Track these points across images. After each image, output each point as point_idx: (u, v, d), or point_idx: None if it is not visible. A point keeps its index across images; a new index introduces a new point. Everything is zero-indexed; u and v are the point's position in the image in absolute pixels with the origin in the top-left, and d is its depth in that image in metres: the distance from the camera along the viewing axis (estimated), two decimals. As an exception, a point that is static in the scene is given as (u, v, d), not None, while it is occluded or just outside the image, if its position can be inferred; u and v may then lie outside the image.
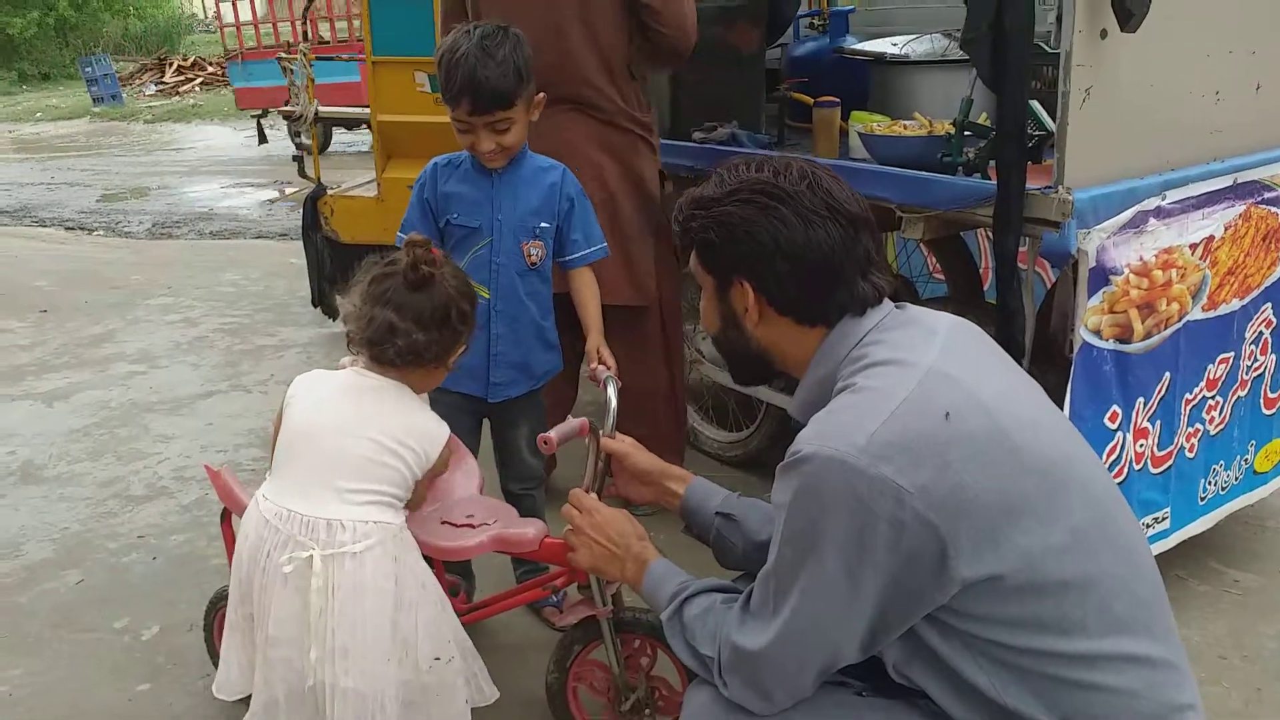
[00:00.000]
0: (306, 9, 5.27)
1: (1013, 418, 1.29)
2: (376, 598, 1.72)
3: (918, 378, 1.29)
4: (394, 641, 1.74)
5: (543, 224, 2.28)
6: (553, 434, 1.80)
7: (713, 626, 1.44)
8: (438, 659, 1.78)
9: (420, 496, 1.90)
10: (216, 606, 2.32)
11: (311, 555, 1.69)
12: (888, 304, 1.46)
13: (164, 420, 4.08)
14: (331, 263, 4.87)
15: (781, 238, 1.40)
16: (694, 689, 1.50)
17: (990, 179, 2.17)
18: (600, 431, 1.87)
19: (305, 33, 5.15)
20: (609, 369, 2.14)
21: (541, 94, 2.23)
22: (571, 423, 1.85)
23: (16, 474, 3.66)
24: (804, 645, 1.32)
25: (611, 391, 2.03)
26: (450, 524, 2.07)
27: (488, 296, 2.27)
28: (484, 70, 2.08)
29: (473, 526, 2.10)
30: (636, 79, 2.81)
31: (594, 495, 1.79)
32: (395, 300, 1.77)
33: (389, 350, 1.77)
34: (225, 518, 2.34)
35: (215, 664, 2.35)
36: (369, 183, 4.95)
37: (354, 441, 1.76)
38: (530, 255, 2.29)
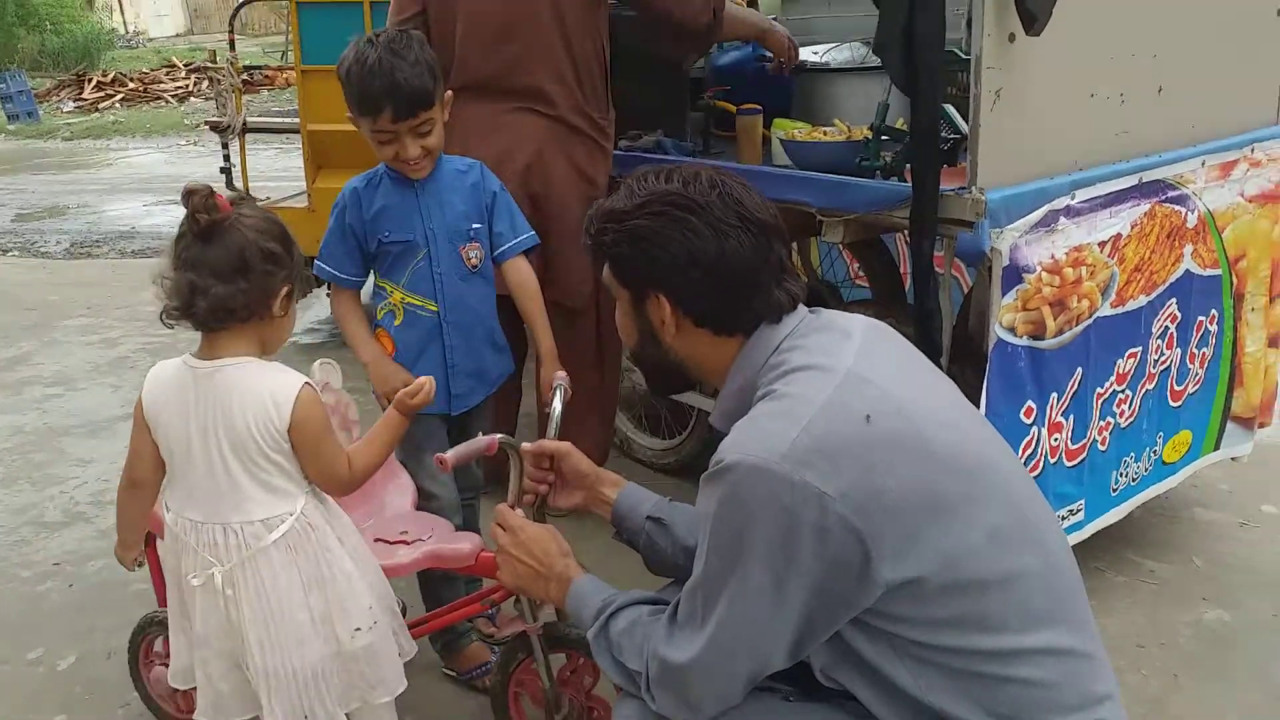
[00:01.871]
0: (233, 18, 5.18)
1: (931, 420, 1.31)
2: (281, 590, 1.71)
3: (835, 382, 1.30)
4: (312, 622, 1.73)
5: (475, 225, 2.25)
6: (449, 455, 1.75)
7: (639, 640, 1.43)
8: (358, 629, 1.77)
9: (320, 455, 1.73)
10: (144, 631, 2.25)
11: (215, 571, 1.70)
12: (802, 309, 1.47)
13: (81, 444, 3.96)
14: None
15: (695, 249, 1.39)
16: (621, 703, 1.49)
17: (907, 182, 2.21)
18: (521, 446, 1.82)
19: (231, 42, 5.06)
20: (563, 378, 2.11)
21: (449, 92, 2.20)
22: (476, 441, 1.81)
23: (-77, 503, 3.52)
24: (732, 655, 1.32)
25: (558, 401, 2.00)
26: (384, 541, 2.04)
27: (435, 309, 2.23)
28: (401, 74, 2.03)
29: (407, 543, 2.07)
30: (607, 75, 2.81)
31: (519, 511, 1.77)
32: (191, 258, 1.64)
33: (198, 312, 1.64)
34: (149, 541, 2.27)
35: (139, 690, 2.29)
36: (299, 194, 4.87)
37: (215, 452, 1.69)
38: (470, 259, 2.26)
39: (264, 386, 1.67)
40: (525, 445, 1.81)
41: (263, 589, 1.71)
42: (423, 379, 1.85)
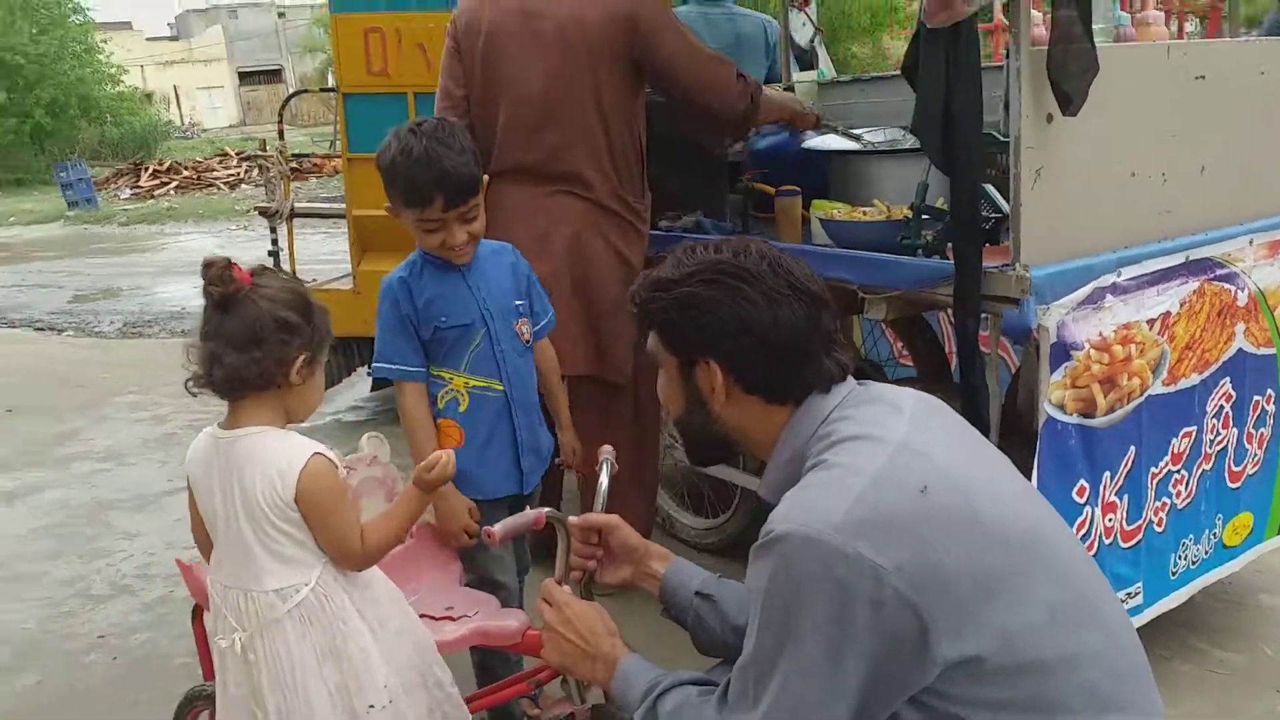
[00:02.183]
0: (282, 108, 5.38)
1: (985, 493, 1.29)
2: (295, 659, 1.71)
3: (888, 452, 1.29)
4: (327, 694, 1.71)
5: (518, 302, 2.27)
6: (497, 528, 1.74)
7: None
8: (372, 706, 1.73)
9: (329, 526, 1.71)
10: (190, 705, 2.24)
11: (235, 637, 1.72)
12: (851, 381, 1.46)
13: (128, 517, 4.00)
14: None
15: (747, 316, 1.40)
16: None
17: (949, 259, 2.23)
18: (569, 520, 1.80)
19: (280, 131, 5.24)
20: (609, 451, 2.01)
21: (485, 176, 2.22)
22: (524, 515, 1.80)
23: (-27, 575, 3.56)
24: None
25: (605, 475, 1.95)
26: (429, 616, 2.01)
27: (501, 389, 2.22)
28: (449, 162, 2.04)
29: (452, 619, 2.05)
30: (643, 160, 2.87)
31: (566, 588, 1.74)
32: (211, 328, 1.68)
33: (215, 381, 1.67)
34: (197, 614, 2.28)
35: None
36: (344, 276, 4.98)
37: (235, 520, 1.71)
38: (523, 334, 2.27)
39: (274, 456, 1.68)
40: (572, 519, 1.79)
41: (278, 657, 1.71)
42: (440, 453, 1.83)
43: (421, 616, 2.00)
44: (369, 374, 5.32)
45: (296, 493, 1.67)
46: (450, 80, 2.82)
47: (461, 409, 2.21)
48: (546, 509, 1.83)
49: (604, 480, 1.93)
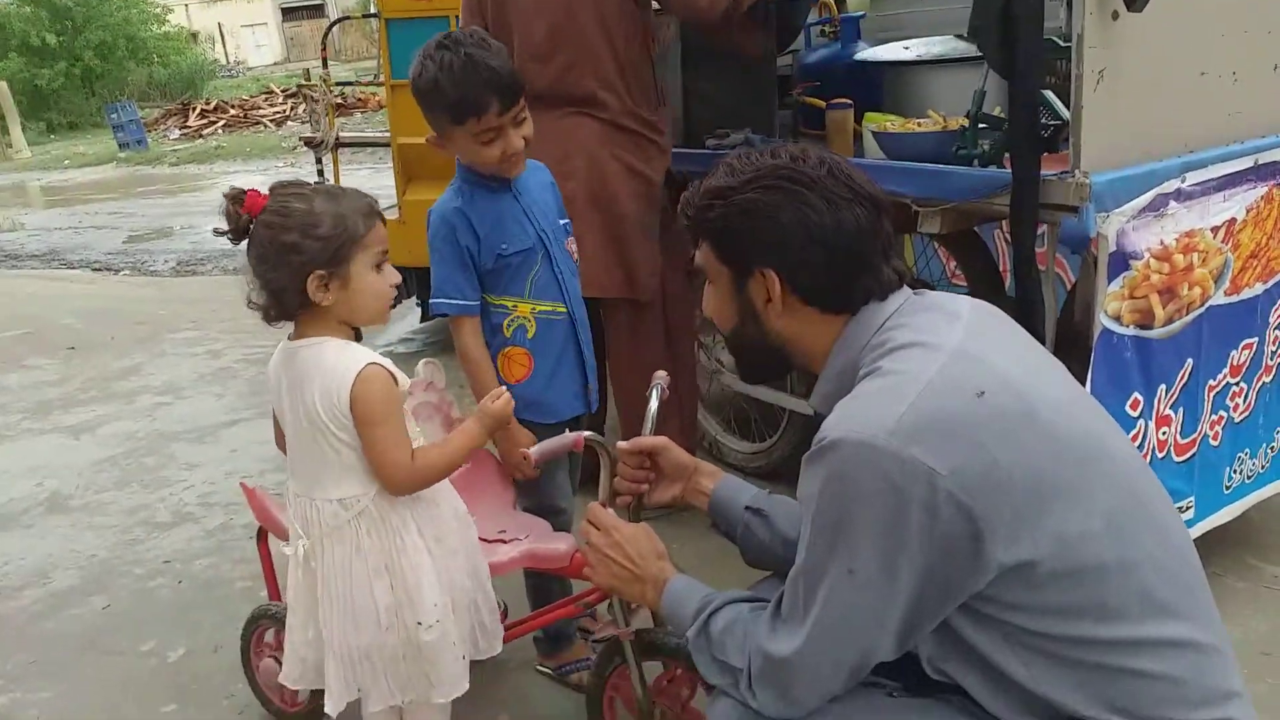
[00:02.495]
0: (325, 36, 5.34)
1: (1042, 398, 1.26)
2: (351, 570, 1.76)
3: (944, 359, 1.26)
4: (375, 608, 1.75)
5: (563, 221, 2.25)
6: (533, 451, 1.74)
7: (740, 637, 1.38)
8: (421, 624, 1.77)
9: (376, 438, 1.71)
10: (256, 623, 2.31)
11: (300, 544, 1.78)
12: (906, 290, 1.43)
13: (189, 449, 4.10)
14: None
15: (811, 222, 1.35)
16: (715, 702, 1.44)
17: (1006, 169, 2.15)
18: (618, 445, 1.78)
19: (324, 60, 5.22)
20: (661, 376, 1.93)
21: None
22: (563, 437, 1.79)
23: (44, 504, 3.69)
24: (838, 644, 1.27)
25: (655, 399, 1.87)
26: (483, 540, 2.03)
27: (565, 311, 2.19)
28: (495, 62, 1.99)
29: (504, 542, 2.08)
30: (655, 73, 2.83)
31: (611, 510, 1.73)
32: (244, 260, 1.72)
33: (261, 307, 1.71)
34: (261, 536, 2.34)
35: (250, 682, 2.35)
36: (390, 207, 4.98)
37: (297, 426, 1.75)
38: (573, 252, 2.24)
39: (331, 365, 1.70)
40: (621, 444, 1.78)
41: (335, 567, 1.76)
42: (501, 389, 1.84)
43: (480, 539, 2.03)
44: (418, 304, 5.36)
45: (350, 399, 1.68)
46: (469, 15, 2.85)
47: (530, 335, 2.17)
48: (587, 433, 1.83)
49: (654, 404, 1.88)
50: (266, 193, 1.70)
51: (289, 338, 1.77)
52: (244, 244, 1.72)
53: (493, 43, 2.05)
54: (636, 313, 2.86)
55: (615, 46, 2.73)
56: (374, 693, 1.81)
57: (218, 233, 1.72)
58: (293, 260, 1.66)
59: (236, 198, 1.68)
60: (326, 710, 1.83)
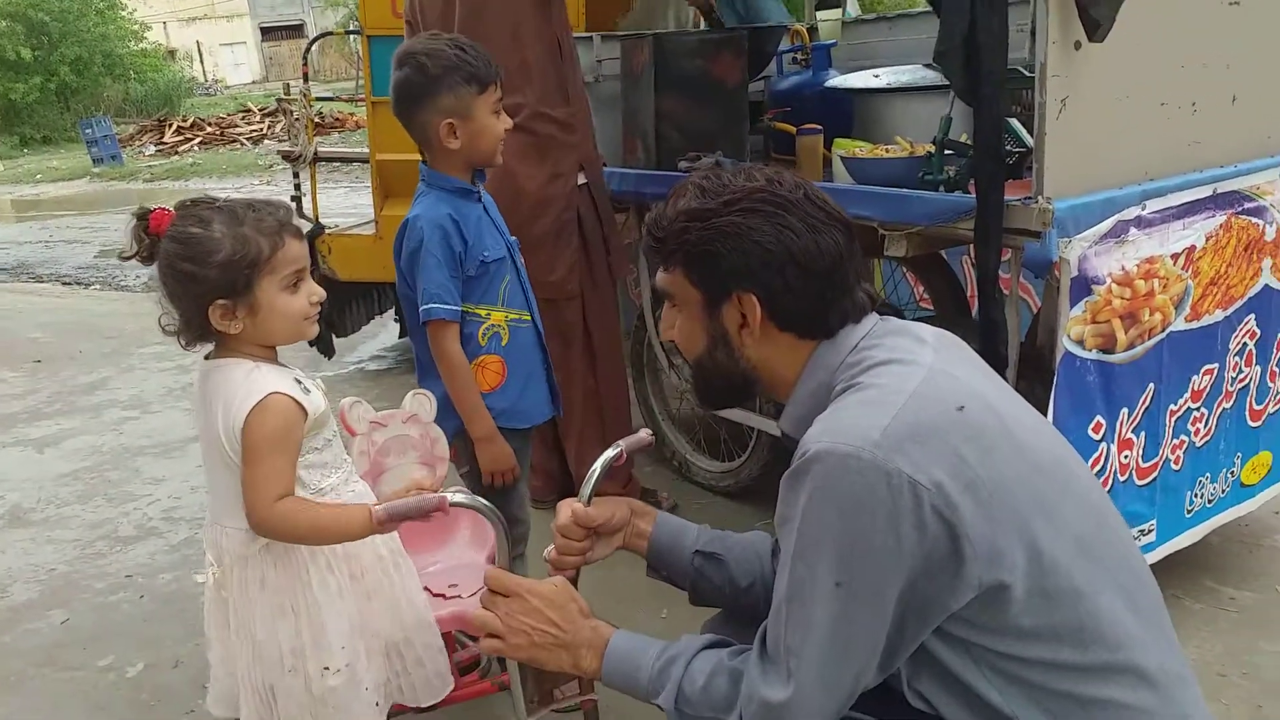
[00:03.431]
0: (306, 51, 5.35)
1: (1014, 418, 1.27)
2: (254, 603, 1.65)
3: (923, 374, 1.26)
4: (278, 645, 1.65)
5: (511, 236, 2.28)
6: (380, 511, 1.57)
7: (725, 689, 1.30)
8: (327, 669, 1.66)
9: (250, 467, 1.57)
10: None
11: (210, 572, 1.70)
12: (874, 315, 1.42)
13: (155, 463, 4.06)
14: (328, 301, 4.87)
15: (791, 245, 1.33)
16: None
17: (971, 194, 2.19)
18: (559, 519, 1.59)
19: (305, 75, 5.22)
20: (626, 443, 1.72)
21: None
22: (424, 500, 1.61)
23: (4, 517, 3.64)
24: (835, 671, 1.22)
25: (602, 463, 1.65)
26: (429, 590, 1.92)
27: (529, 319, 2.25)
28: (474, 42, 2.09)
29: (445, 598, 1.96)
30: (560, 71, 2.88)
31: (509, 572, 1.55)
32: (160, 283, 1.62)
33: (173, 333, 1.61)
34: None
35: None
36: (367, 223, 4.99)
37: (207, 448, 1.65)
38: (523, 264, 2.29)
39: (234, 388, 1.59)
40: (562, 518, 1.58)
41: (243, 599, 1.66)
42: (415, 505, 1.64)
43: (426, 589, 1.90)
44: (396, 320, 5.34)
45: (242, 426, 1.57)
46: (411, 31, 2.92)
47: (504, 343, 2.21)
48: (450, 493, 1.66)
49: (599, 467, 1.64)
50: (173, 210, 1.60)
51: (205, 356, 1.67)
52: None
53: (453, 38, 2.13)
54: (555, 312, 2.88)
55: (525, 54, 2.78)
56: None
57: (123, 257, 1.62)
58: (191, 290, 1.56)
59: (143, 216, 1.58)
60: None
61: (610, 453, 1.65)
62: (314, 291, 1.66)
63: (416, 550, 2.01)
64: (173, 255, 1.56)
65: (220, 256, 1.55)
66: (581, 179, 2.94)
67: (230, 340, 1.62)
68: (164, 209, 1.60)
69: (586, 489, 1.61)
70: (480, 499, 1.66)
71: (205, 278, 1.55)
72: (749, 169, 1.41)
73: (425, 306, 2.11)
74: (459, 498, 1.65)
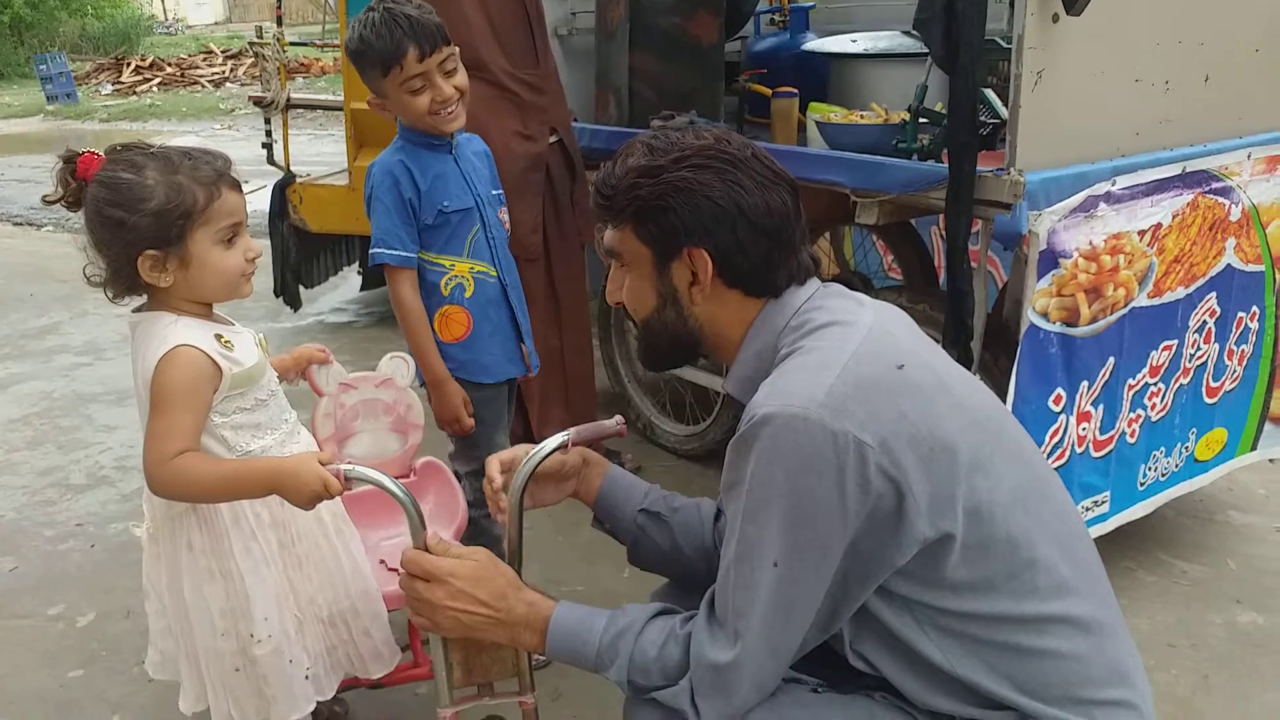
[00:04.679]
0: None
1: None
2: (182, 563, 1.62)
3: (863, 334, 1.29)
4: (207, 608, 1.61)
5: (496, 191, 2.27)
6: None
7: (678, 656, 1.30)
8: (253, 636, 1.62)
9: (153, 418, 1.51)
10: None
11: (145, 527, 1.67)
12: (816, 279, 1.43)
13: (107, 410, 3.99)
14: (297, 252, 4.80)
15: (743, 202, 1.33)
16: (636, 711, 1.36)
17: (944, 164, 2.18)
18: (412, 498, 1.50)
19: (279, 19, 5.08)
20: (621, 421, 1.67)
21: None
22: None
23: (-49, 462, 3.56)
24: (781, 632, 1.24)
25: (555, 441, 1.56)
26: (384, 564, 1.88)
27: (495, 275, 2.23)
28: (410, 10, 2.01)
29: (392, 571, 1.87)
30: (532, 33, 2.84)
31: (426, 547, 1.44)
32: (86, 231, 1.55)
33: (99, 284, 1.56)
34: None
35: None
36: (340, 172, 4.89)
37: (137, 401, 1.59)
38: (505, 222, 2.27)
39: (154, 340, 1.53)
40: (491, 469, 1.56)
41: (173, 558, 1.62)
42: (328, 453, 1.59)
43: (380, 563, 1.87)
44: (359, 273, 5.27)
45: (151, 375, 1.51)
46: None
47: (468, 295, 2.20)
48: (351, 467, 1.49)
49: (551, 445, 1.55)
50: (104, 154, 1.53)
51: (133, 310, 1.61)
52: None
53: (413, 1, 2.05)
54: (521, 269, 2.85)
55: (491, 16, 2.73)
56: (223, 697, 1.66)
57: (46, 200, 1.54)
58: (121, 238, 1.49)
59: (70, 159, 1.51)
60: (180, 708, 1.71)
61: (557, 438, 1.55)
62: (250, 248, 1.61)
63: (376, 523, 1.99)
64: (101, 201, 1.49)
65: (152, 204, 1.49)
66: (554, 137, 2.89)
67: (160, 294, 1.57)
68: (93, 153, 1.53)
69: (526, 470, 1.52)
70: (376, 474, 1.47)
71: (135, 225, 1.48)
72: (697, 128, 1.41)
73: (372, 250, 2.12)
74: (356, 471, 1.48)
